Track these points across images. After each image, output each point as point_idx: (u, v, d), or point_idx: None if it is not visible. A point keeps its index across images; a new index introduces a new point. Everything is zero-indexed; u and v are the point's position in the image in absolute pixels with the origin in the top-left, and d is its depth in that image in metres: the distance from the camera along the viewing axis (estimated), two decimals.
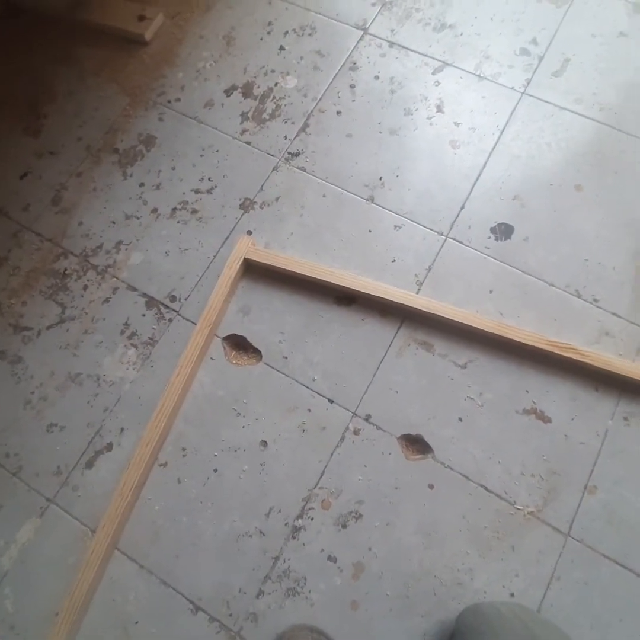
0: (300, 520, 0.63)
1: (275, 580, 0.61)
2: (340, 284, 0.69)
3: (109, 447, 0.67)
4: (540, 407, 0.65)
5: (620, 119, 0.76)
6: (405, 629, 0.58)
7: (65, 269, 0.75)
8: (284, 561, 0.61)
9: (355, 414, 0.66)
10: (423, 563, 0.60)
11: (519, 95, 0.80)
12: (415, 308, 0.67)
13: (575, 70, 0.80)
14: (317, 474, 0.64)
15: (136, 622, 0.60)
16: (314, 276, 0.70)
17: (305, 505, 0.63)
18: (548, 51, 0.81)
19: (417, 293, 0.70)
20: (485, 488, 0.62)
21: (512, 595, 0.59)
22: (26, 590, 0.62)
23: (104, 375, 0.70)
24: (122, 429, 0.67)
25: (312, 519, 0.63)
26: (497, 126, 0.78)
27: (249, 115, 0.82)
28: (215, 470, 0.65)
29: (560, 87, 0.80)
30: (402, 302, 0.67)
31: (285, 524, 0.63)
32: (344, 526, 0.62)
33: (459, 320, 0.66)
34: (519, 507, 0.61)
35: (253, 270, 0.73)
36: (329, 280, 0.69)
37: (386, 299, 0.68)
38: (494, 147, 0.77)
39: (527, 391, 0.66)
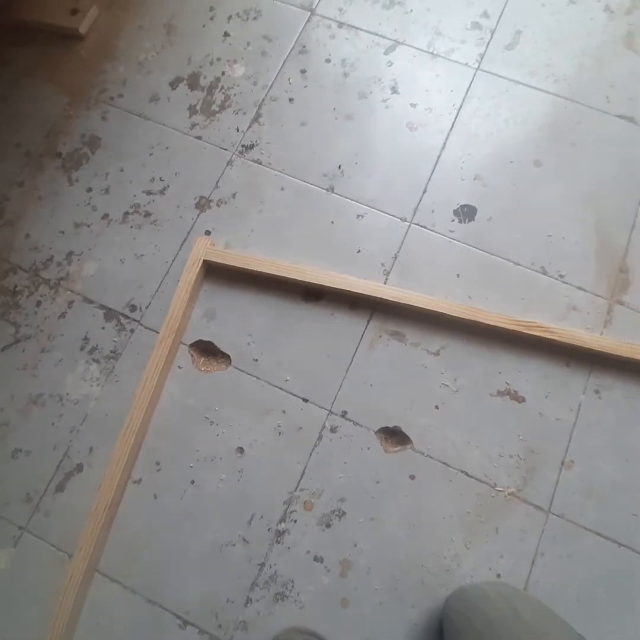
0: (283, 524, 0.62)
1: (263, 587, 0.60)
2: (306, 280, 0.67)
3: (79, 468, 0.64)
4: (513, 387, 0.65)
5: (575, 90, 0.75)
6: (396, 621, 0.59)
7: (16, 286, 0.71)
8: (270, 566, 0.60)
9: (331, 412, 0.65)
10: (409, 554, 0.60)
11: (473, 72, 0.78)
12: (384, 298, 0.66)
13: (528, 42, 0.78)
14: (297, 475, 0.63)
15: None
16: (278, 274, 0.67)
17: (287, 509, 0.62)
18: (499, 24, 0.79)
19: (384, 283, 0.69)
20: (466, 473, 0.62)
21: (498, 576, 0.60)
22: (8, 621, 0.60)
23: (67, 394, 0.66)
24: (91, 449, 0.65)
25: (295, 521, 0.62)
26: (454, 105, 0.76)
27: (197, 108, 0.78)
28: (192, 482, 0.63)
29: (513, 60, 0.78)
30: (369, 293, 0.66)
31: (269, 529, 0.61)
32: (328, 525, 0.61)
33: (428, 308, 0.65)
34: (499, 488, 0.62)
35: (214, 272, 0.70)
36: (293, 277, 0.67)
37: (353, 292, 0.66)
38: (451, 127, 0.75)
39: (499, 373, 0.65)
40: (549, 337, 0.62)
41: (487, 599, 0.52)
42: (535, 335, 0.63)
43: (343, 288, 0.66)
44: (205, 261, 0.68)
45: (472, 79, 0.78)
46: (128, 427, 0.62)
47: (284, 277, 0.67)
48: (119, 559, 0.61)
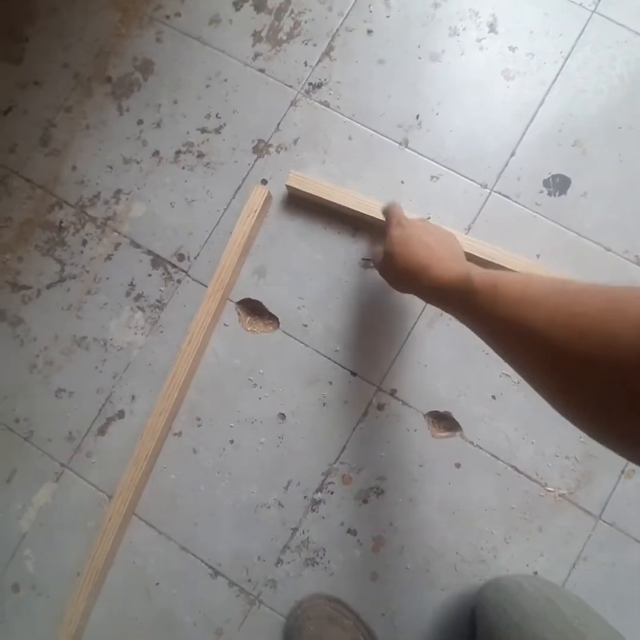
0: (319, 494, 0.61)
1: (294, 550, 0.60)
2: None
3: (121, 414, 0.64)
4: None
5: None
6: (425, 601, 0.58)
7: (62, 222, 0.68)
8: (303, 532, 0.60)
9: (380, 388, 0.62)
10: (445, 540, 0.59)
11: (588, 14, 0.65)
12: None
13: None
14: (338, 448, 0.61)
15: (157, 584, 0.61)
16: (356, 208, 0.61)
17: (325, 480, 0.61)
18: None
19: None
20: (516, 469, 0.59)
21: (535, 573, 0.58)
22: (47, 551, 0.63)
23: (111, 339, 0.65)
24: (133, 397, 0.64)
25: (331, 493, 0.61)
26: (561, 53, 0.65)
27: (263, 34, 0.69)
28: (232, 442, 0.62)
29: (637, 7, 0.65)
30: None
31: (305, 497, 0.61)
32: (365, 501, 0.60)
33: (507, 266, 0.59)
34: (550, 489, 0.59)
35: (271, 224, 0.65)
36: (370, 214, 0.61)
37: None
38: (555, 79, 0.65)
39: None
40: None
41: (525, 592, 0.50)
42: None
43: None
44: (261, 208, 0.63)
45: (586, 23, 0.65)
46: (172, 381, 0.60)
47: (364, 214, 0.61)
48: (156, 506, 0.62)
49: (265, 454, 0.62)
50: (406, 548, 0.59)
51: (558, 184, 0.63)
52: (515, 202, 0.63)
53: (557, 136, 0.63)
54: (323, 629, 0.54)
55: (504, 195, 0.63)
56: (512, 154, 0.64)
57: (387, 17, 0.68)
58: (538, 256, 0.62)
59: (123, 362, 0.65)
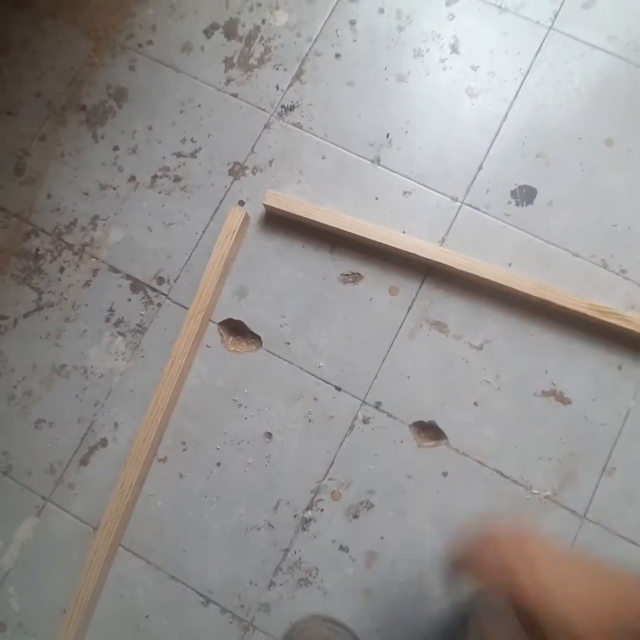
0: (309, 512, 0.60)
1: (286, 572, 0.60)
2: (367, 237, 0.62)
3: (104, 442, 0.63)
4: (559, 388, 0.61)
5: None
6: (420, 614, 0.58)
7: (38, 249, 0.67)
8: (295, 552, 0.60)
9: (365, 402, 0.62)
10: (437, 550, 0.59)
11: (545, 31, 0.69)
12: (440, 262, 0.61)
13: (607, 1, 0.68)
14: (326, 465, 0.61)
15: (147, 616, 0.59)
16: (336, 225, 0.62)
17: (314, 497, 0.61)
18: None
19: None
20: (501, 473, 0.60)
21: None
22: (31, 588, 0.60)
23: (91, 366, 0.64)
24: (116, 424, 0.63)
25: (322, 510, 0.60)
26: (520, 69, 0.68)
27: (234, 60, 0.71)
28: (219, 464, 0.62)
29: (591, 21, 0.69)
30: (427, 256, 0.61)
31: (295, 516, 0.60)
32: (355, 516, 0.60)
33: (495, 280, 0.60)
34: (535, 491, 0.59)
35: (250, 244, 0.66)
36: (354, 232, 0.62)
37: (411, 253, 0.62)
38: (516, 95, 0.68)
39: (546, 372, 0.62)
40: (624, 325, 0.58)
41: None
42: (611, 323, 0.59)
43: (403, 249, 0.62)
44: (238, 231, 0.63)
45: (544, 40, 0.69)
46: (155, 406, 0.60)
47: (341, 230, 0.62)
48: (143, 535, 0.61)
49: (253, 475, 0.61)
50: (398, 562, 0.59)
51: (525, 194, 0.65)
52: (485, 213, 0.65)
53: (521, 149, 0.66)
54: None
55: (474, 208, 0.65)
56: (480, 168, 0.66)
57: (354, 41, 0.70)
58: (510, 265, 0.64)
59: (104, 389, 0.64)
